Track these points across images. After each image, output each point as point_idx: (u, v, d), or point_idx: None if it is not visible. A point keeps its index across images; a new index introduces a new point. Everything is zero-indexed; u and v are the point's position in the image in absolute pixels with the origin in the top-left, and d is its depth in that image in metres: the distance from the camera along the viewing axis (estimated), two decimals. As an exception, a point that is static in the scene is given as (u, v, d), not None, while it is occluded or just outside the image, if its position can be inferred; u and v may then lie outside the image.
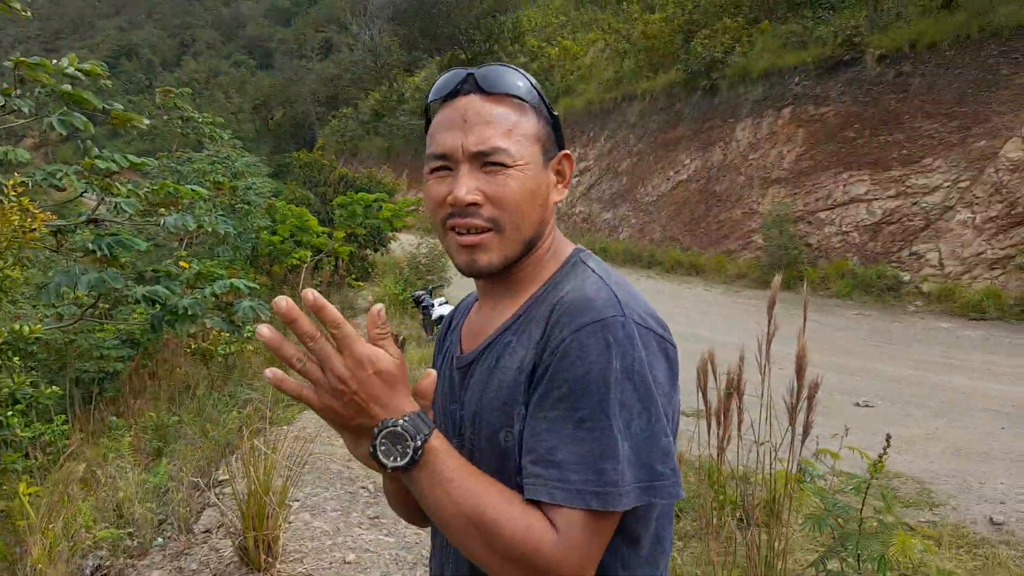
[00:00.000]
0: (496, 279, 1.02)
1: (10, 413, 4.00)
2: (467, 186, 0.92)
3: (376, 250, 12.26)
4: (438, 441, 0.85)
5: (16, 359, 4.23)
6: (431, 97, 1.02)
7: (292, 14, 77.02)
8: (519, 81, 0.97)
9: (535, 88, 0.98)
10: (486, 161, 0.93)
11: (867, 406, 6.07)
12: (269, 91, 49.87)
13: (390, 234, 11.82)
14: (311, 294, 0.80)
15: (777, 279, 2.80)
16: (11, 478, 4.21)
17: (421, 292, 9.32)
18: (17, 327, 4.25)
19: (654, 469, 0.85)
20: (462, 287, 10.80)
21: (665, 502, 0.87)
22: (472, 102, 0.95)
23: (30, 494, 3.44)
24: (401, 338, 8.24)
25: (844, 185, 12.06)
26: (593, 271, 0.97)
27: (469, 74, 0.98)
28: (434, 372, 0.93)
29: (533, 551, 0.81)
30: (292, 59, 53.88)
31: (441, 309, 8.54)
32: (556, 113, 1.00)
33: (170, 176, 9.07)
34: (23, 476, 4.08)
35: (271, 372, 0.82)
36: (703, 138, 15.44)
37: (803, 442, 2.77)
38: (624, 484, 0.83)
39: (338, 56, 47.92)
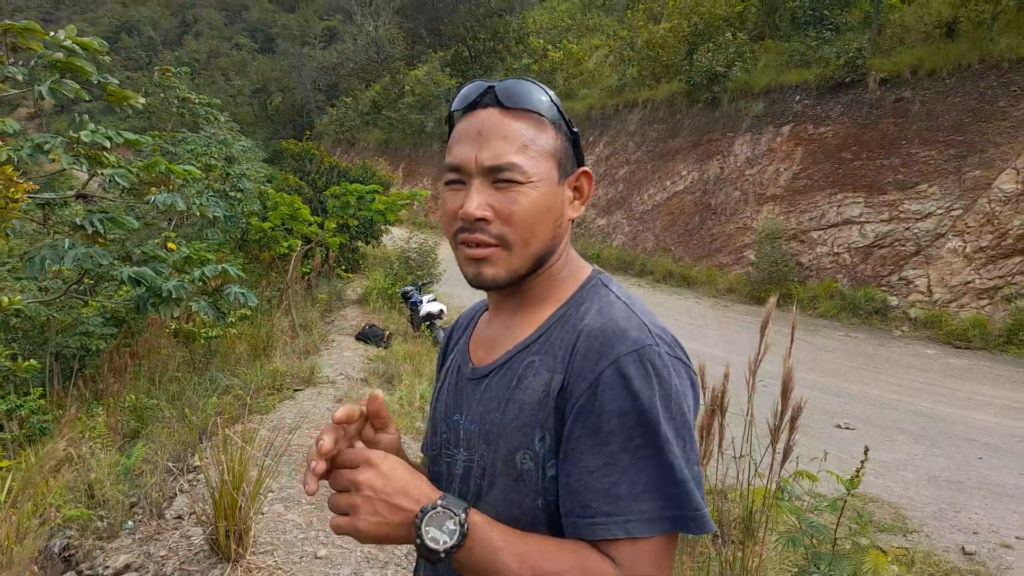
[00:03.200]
0: (508, 292, 1.01)
1: (-15, 385, 3.93)
2: (477, 201, 0.91)
3: (368, 242, 12.19)
4: (476, 515, 0.86)
5: (-6, 331, 4.16)
6: (454, 107, 1.00)
7: (296, 0, 76.69)
8: (540, 96, 0.96)
9: (555, 104, 0.97)
10: (498, 177, 0.92)
11: (848, 428, 6.08)
12: (269, 76, 49.57)
13: (383, 227, 11.76)
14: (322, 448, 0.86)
15: (773, 300, 2.79)
16: (-18, 451, 4.15)
17: (410, 288, 9.28)
18: (-3, 299, 4.19)
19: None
20: (450, 284, 10.78)
21: (698, 534, 0.88)
22: (491, 116, 0.94)
23: (1, 468, 3.39)
24: (388, 333, 8.20)
25: (838, 206, 12.12)
26: (617, 297, 0.96)
27: (490, 87, 0.97)
28: (379, 393, 0.94)
29: None
30: (294, 45, 53.41)
31: (429, 306, 8.51)
32: (577, 129, 0.99)
33: (163, 156, 8.99)
34: (-5, 450, 4.03)
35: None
36: (701, 150, 15.47)
37: (783, 463, 2.77)
38: (697, 504, 0.85)
39: (341, 45, 47.64)
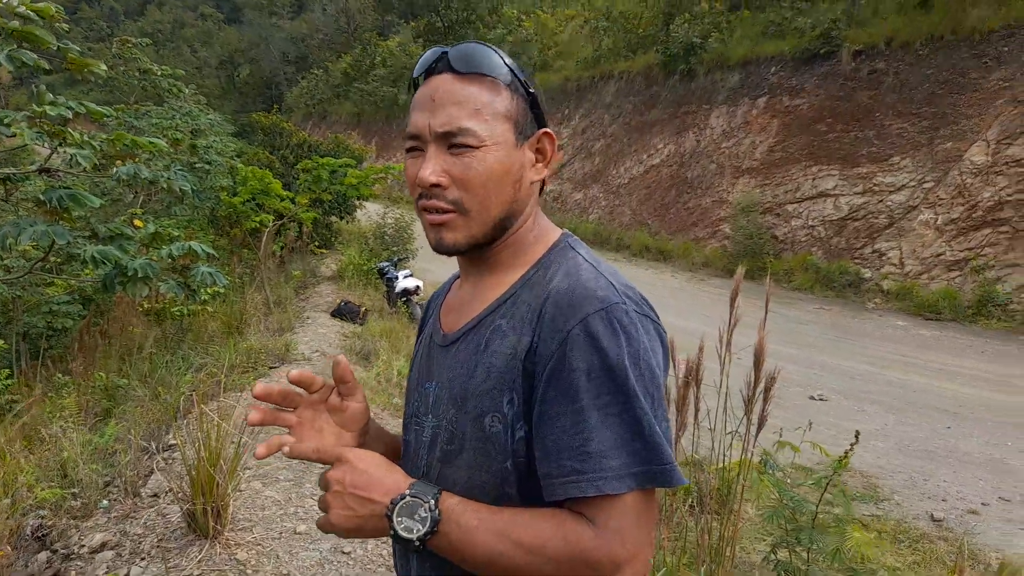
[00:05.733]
0: (476, 258, 1.01)
1: (-52, 366, 3.82)
2: (431, 167, 0.92)
3: (342, 217, 12.02)
4: (450, 498, 0.87)
5: (-44, 311, 4.03)
6: (415, 74, 1.01)
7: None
8: (492, 59, 0.95)
9: (509, 66, 0.96)
10: (452, 142, 0.92)
11: (821, 399, 6.18)
12: (236, 47, 48.39)
13: (357, 202, 11.60)
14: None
15: (740, 270, 2.80)
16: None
17: (385, 264, 9.19)
18: (-43, 277, 4.06)
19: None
20: (427, 259, 10.69)
21: (668, 487, 0.87)
22: (444, 82, 0.94)
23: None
24: (364, 309, 8.12)
25: (813, 179, 12.21)
26: (584, 259, 0.95)
27: (443, 52, 0.96)
28: (343, 357, 0.98)
29: (579, 554, 0.81)
30: (262, 15, 52.00)
31: (405, 282, 8.43)
32: (533, 90, 0.97)
33: (125, 130, 8.74)
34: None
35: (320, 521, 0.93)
36: (678, 123, 15.45)
37: (758, 433, 2.79)
38: (667, 457, 0.84)
39: (310, 15, 46.59)
